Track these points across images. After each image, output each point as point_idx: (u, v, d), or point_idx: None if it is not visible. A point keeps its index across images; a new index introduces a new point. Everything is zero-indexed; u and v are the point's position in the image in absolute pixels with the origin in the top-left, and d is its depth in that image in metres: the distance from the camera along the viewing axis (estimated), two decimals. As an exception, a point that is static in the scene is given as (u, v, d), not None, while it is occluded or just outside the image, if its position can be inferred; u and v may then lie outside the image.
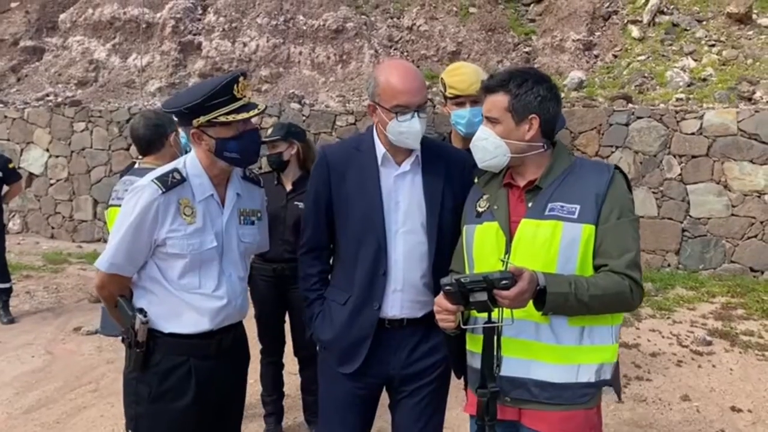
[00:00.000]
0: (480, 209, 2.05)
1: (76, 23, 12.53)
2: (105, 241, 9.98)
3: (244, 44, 11.45)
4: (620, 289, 1.82)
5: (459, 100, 2.70)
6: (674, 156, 8.10)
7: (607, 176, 1.91)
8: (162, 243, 2.17)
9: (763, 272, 7.80)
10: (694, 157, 8.01)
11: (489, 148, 1.98)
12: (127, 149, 10.19)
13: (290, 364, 4.07)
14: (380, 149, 2.24)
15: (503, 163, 1.99)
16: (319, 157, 2.35)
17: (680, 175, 8.06)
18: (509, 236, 1.93)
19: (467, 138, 2.74)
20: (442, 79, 2.77)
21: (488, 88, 1.99)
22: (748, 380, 4.82)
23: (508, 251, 1.91)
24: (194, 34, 11.82)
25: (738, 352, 5.40)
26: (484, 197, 2.06)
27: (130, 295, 2.29)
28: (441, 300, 1.83)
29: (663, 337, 5.71)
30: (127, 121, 10.24)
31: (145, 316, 2.16)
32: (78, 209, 10.44)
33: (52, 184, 10.58)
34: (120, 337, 2.36)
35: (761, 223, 7.81)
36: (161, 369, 2.20)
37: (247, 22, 11.67)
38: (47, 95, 11.46)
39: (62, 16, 12.83)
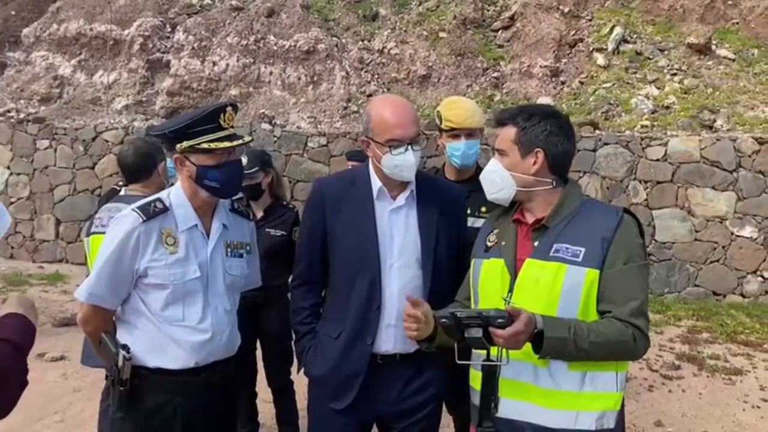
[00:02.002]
0: (489, 244, 2.04)
1: (40, 38, 12.28)
2: (67, 262, 9.71)
3: (214, 63, 11.36)
4: (623, 338, 1.79)
5: (454, 133, 2.73)
6: (640, 181, 8.31)
7: (614, 220, 1.88)
8: (144, 273, 2.14)
9: (725, 296, 8.02)
10: (659, 182, 8.23)
11: (496, 180, 2.00)
12: (92, 168, 10.00)
13: (264, 392, 4.00)
14: (376, 183, 2.24)
15: (509, 196, 1.99)
16: (314, 189, 2.34)
17: (646, 200, 8.26)
18: (514, 275, 1.91)
19: (461, 170, 2.77)
20: (438, 111, 2.80)
21: (499, 121, 2.02)
22: (717, 405, 4.92)
23: (511, 290, 1.90)
24: (163, 52, 11.69)
25: (706, 377, 5.52)
26: (494, 232, 2.06)
27: (114, 332, 2.23)
28: (408, 308, 1.91)
29: (633, 361, 5.80)
30: (93, 139, 10.06)
31: (129, 352, 2.10)
32: (40, 229, 10.15)
33: (12, 203, 10.26)
34: (97, 368, 2.29)
35: (723, 248, 8.04)
36: (146, 408, 2.13)
37: (216, 41, 11.60)
38: (9, 111, 11.17)
39: (25, 31, 12.55)
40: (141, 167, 2.96)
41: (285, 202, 3.88)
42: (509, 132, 1.97)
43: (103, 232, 2.74)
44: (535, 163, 1.95)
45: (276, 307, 3.65)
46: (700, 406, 4.90)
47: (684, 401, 4.99)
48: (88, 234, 3.00)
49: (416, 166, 2.17)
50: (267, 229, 3.66)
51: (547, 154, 1.94)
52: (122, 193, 3.09)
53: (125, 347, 2.10)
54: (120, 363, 2.08)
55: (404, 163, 2.13)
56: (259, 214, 3.76)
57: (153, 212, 2.14)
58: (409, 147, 2.13)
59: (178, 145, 2.13)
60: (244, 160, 3.79)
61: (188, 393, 2.17)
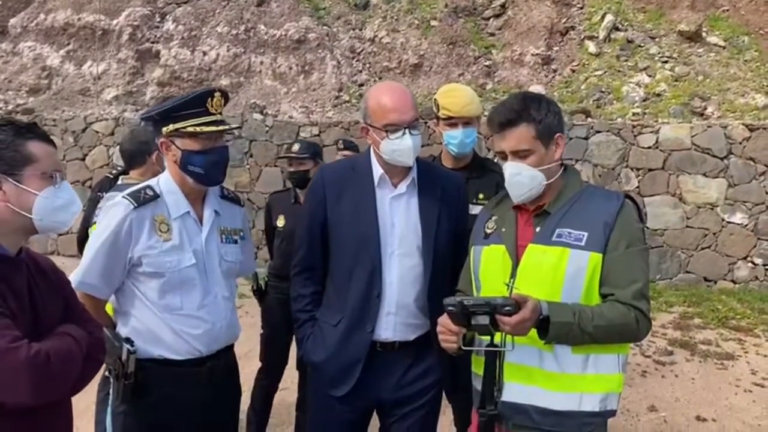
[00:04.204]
0: (488, 231, 2.04)
1: (27, 28, 12.15)
2: (59, 254, 9.65)
3: (204, 53, 11.28)
4: (626, 321, 1.81)
5: (452, 121, 2.72)
6: (632, 169, 8.34)
7: (616, 204, 1.90)
8: (138, 262, 2.11)
9: (716, 282, 8.08)
10: (650, 170, 8.27)
11: (525, 182, 1.92)
12: (83, 159, 9.92)
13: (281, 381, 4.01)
14: (377, 170, 2.23)
15: (539, 192, 1.94)
16: (316, 176, 2.34)
17: (638, 187, 8.29)
18: (515, 260, 1.92)
19: (458, 158, 2.77)
20: (435, 99, 2.80)
21: (508, 122, 1.92)
22: (709, 389, 4.97)
23: (513, 275, 1.90)
24: (152, 42, 11.59)
25: (698, 362, 5.58)
26: (493, 218, 2.05)
27: (114, 326, 2.21)
28: (444, 320, 1.83)
29: (636, 343, 5.84)
30: (83, 130, 9.98)
31: (133, 345, 2.08)
32: (30, 221, 10.07)
33: (2, 195, 10.18)
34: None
35: (714, 234, 8.10)
36: (151, 400, 2.11)
37: (206, 30, 11.51)
38: (-3, 102, 11.07)
39: (12, 21, 12.41)
40: (135, 153, 2.97)
41: None
42: (527, 130, 1.90)
43: None
44: (557, 148, 1.95)
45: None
46: (693, 390, 4.96)
47: (677, 386, 5.04)
48: (89, 224, 3.01)
49: (415, 151, 2.16)
50: None
51: (562, 136, 1.96)
52: (119, 182, 3.09)
53: (128, 340, 2.09)
54: (124, 357, 2.06)
55: (402, 147, 2.13)
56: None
57: (144, 199, 2.12)
58: (407, 131, 2.12)
59: (164, 128, 2.11)
60: (296, 147, 3.84)
61: (193, 384, 2.15)
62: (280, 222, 3.82)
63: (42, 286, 1.67)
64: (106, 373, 2.28)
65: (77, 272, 2.13)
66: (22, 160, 1.61)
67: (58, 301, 1.71)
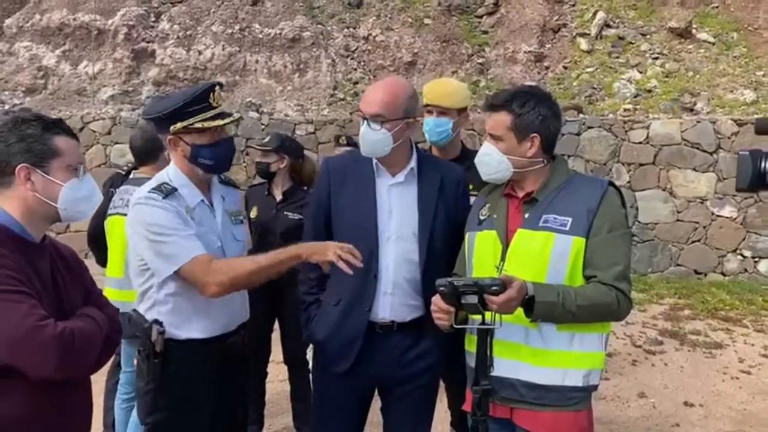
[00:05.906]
0: (482, 217, 2.17)
1: (23, 29, 12.19)
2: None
3: (199, 52, 11.36)
4: (607, 301, 1.93)
5: (428, 108, 2.84)
6: (623, 164, 8.48)
7: (599, 191, 2.02)
8: None
9: (706, 274, 8.23)
10: (641, 165, 8.41)
11: (492, 163, 2.09)
12: (80, 158, 9.98)
13: (273, 371, 4.12)
14: (375, 160, 2.35)
15: (506, 177, 2.10)
16: (321, 167, 2.48)
17: (629, 182, 8.43)
18: (505, 245, 2.04)
19: (443, 149, 2.87)
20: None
21: (492, 107, 2.09)
22: (698, 377, 5.11)
23: (503, 259, 2.03)
24: (148, 42, 11.65)
25: (687, 351, 5.71)
26: (487, 206, 2.19)
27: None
28: (437, 299, 1.97)
29: (617, 338, 5.97)
30: (81, 129, 10.03)
31: (162, 326, 2.18)
32: (28, 220, 10.13)
33: None
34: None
35: (704, 227, 8.25)
36: (178, 378, 2.20)
37: (201, 30, 11.59)
38: (-7, 103, 11.12)
39: (8, 21, 12.45)
40: (148, 151, 3.07)
41: (306, 187, 3.92)
42: (504, 119, 2.05)
43: (120, 214, 2.85)
44: (531, 147, 2.05)
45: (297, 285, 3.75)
46: (682, 378, 5.09)
47: (666, 374, 5.17)
48: (101, 220, 3.11)
49: (372, 145, 2.25)
50: (285, 212, 3.76)
51: (542, 138, 2.05)
52: (132, 176, 3.22)
53: (157, 322, 2.18)
54: (154, 337, 2.16)
55: (362, 136, 2.26)
56: (278, 197, 3.86)
57: (167, 191, 2.21)
58: (365, 122, 2.24)
59: (172, 127, 2.20)
60: (266, 139, 3.90)
61: (215, 360, 2.26)
62: (253, 213, 3.88)
63: (64, 272, 1.78)
64: (136, 360, 2.35)
65: (169, 267, 2.13)
66: (50, 153, 1.72)
67: (79, 285, 1.82)
